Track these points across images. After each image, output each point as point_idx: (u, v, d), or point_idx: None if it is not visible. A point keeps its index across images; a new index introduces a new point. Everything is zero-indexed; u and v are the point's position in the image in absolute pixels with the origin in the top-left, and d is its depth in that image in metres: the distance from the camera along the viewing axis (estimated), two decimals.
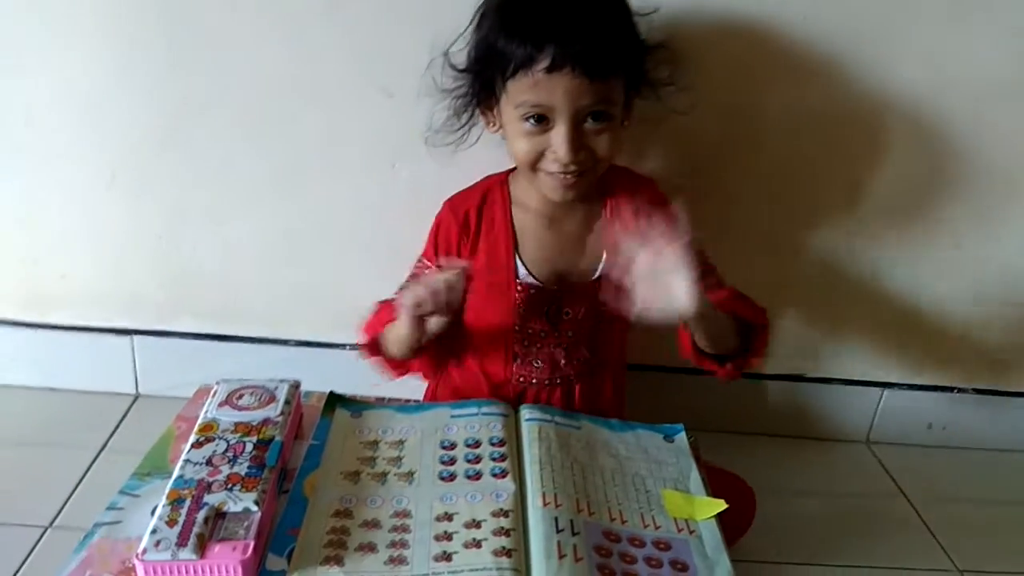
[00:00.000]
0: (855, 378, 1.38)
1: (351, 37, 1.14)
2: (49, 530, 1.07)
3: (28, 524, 1.07)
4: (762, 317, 0.99)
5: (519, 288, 1.01)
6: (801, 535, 1.06)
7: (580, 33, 0.86)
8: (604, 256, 1.01)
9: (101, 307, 1.31)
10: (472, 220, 1.03)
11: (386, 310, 1.00)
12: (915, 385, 1.38)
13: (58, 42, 1.15)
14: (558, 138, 0.89)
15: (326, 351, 1.34)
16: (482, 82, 0.95)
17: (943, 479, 1.35)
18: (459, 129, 1.02)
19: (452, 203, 1.06)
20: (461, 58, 1.00)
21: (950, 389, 1.39)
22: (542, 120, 0.90)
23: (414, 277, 1.05)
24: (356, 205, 1.24)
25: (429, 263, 1.05)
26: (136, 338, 1.32)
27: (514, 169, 1.05)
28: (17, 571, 1.00)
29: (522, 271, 1.01)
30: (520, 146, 0.92)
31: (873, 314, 1.33)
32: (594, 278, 1.02)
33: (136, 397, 1.35)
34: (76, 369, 1.34)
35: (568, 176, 0.92)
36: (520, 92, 0.89)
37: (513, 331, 1.03)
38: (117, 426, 1.28)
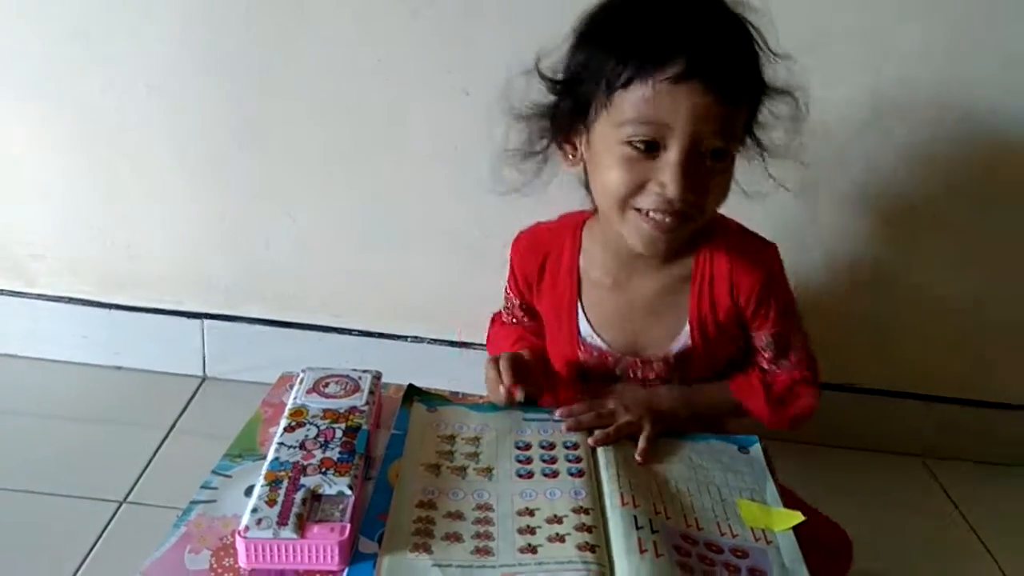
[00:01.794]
0: (912, 391, 1.37)
1: (431, 33, 1.16)
2: (124, 505, 1.10)
3: (104, 499, 1.11)
4: (774, 420, 0.92)
5: (581, 348, 0.93)
6: (856, 551, 1.05)
7: (717, 44, 0.75)
8: (687, 328, 0.89)
9: (172, 290, 1.35)
10: (534, 267, 0.95)
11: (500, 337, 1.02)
12: (973, 400, 1.38)
13: (143, 22, 1.18)
14: (668, 166, 0.75)
15: (387, 341, 1.37)
16: (575, 99, 0.81)
17: (1002, 498, 1.33)
18: (532, 161, 0.88)
19: (518, 244, 0.98)
20: (551, 71, 0.86)
21: (1010, 406, 1.38)
22: (650, 147, 0.76)
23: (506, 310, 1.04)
24: (423, 199, 1.27)
25: (513, 296, 1.01)
26: (206, 321, 1.36)
27: (593, 214, 0.91)
28: (95, 543, 1.04)
29: (586, 329, 0.92)
30: (613, 177, 0.78)
31: (932, 328, 1.32)
32: (672, 352, 0.91)
33: (203, 379, 1.39)
34: (145, 350, 1.38)
35: (668, 219, 0.78)
36: (631, 106, 0.75)
37: (579, 380, 0.96)
38: (186, 407, 1.32)
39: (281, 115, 1.23)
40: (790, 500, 0.85)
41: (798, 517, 0.79)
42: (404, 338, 1.36)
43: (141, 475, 1.16)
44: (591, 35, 0.81)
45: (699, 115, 0.74)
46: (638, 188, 0.78)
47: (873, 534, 1.19)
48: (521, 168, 0.88)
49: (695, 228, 0.82)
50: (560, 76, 0.84)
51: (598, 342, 0.92)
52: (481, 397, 0.95)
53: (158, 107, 1.23)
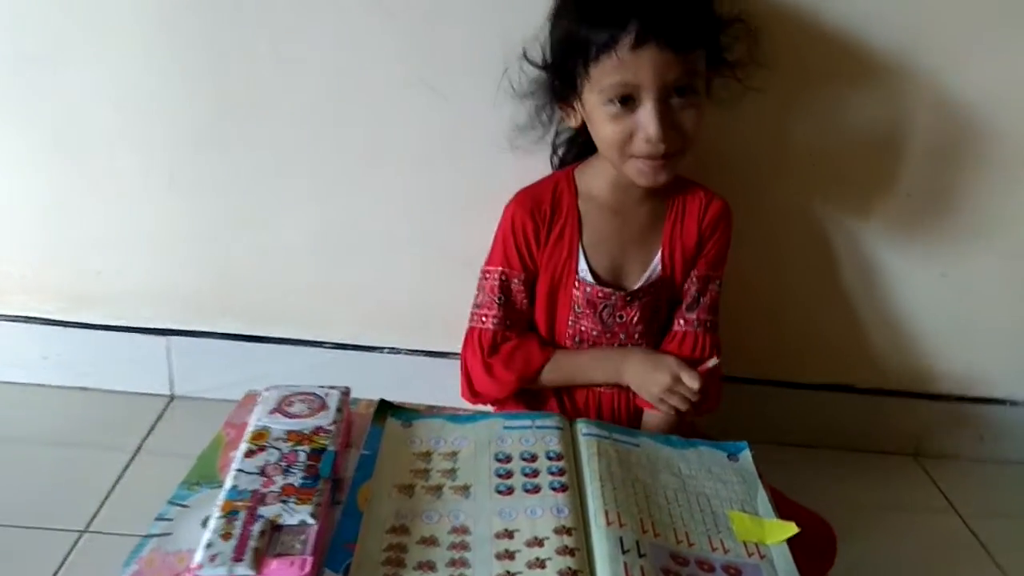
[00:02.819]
0: (904, 389, 1.34)
1: (399, 36, 1.12)
2: (86, 535, 1.05)
3: (64, 528, 1.05)
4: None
5: (576, 285, 1.02)
6: (848, 551, 1.02)
7: (662, 6, 0.87)
8: (658, 258, 1.03)
9: (137, 306, 1.30)
10: (546, 209, 1.02)
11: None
12: (966, 397, 1.35)
13: (106, 39, 1.14)
14: (646, 116, 0.89)
15: (364, 354, 1.32)
16: (562, 75, 0.95)
17: (996, 494, 1.31)
18: (542, 127, 1.06)
19: (520, 198, 1.04)
20: (537, 56, 1.01)
21: (1002, 402, 1.35)
22: (627, 101, 0.90)
23: (483, 291, 1.05)
24: (399, 208, 1.23)
25: (506, 269, 1.03)
26: (172, 338, 1.31)
27: (579, 163, 1.05)
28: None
29: (582, 266, 1.02)
30: (607, 131, 0.92)
31: (921, 324, 1.29)
32: (646, 281, 1.03)
33: (171, 398, 1.33)
34: (110, 369, 1.32)
35: (659, 159, 0.92)
36: (604, 75, 0.89)
37: (566, 326, 1.04)
38: (152, 427, 1.27)
39: (250, 127, 1.18)
40: (773, 496, 0.82)
41: (792, 529, 0.75)
42: (381, 349, 1.31)
43: (104, 502, 1.10)
44: (561, 16, 0.95)
45: (660, 70, 0.87)
46: (628, 138, 0.91)
47: (868, 531, 1.17)
48: (533, 136, 1.07)
49: (684, 157, 0.95)
50: (546, 58, 1.00)
51: (591, 279, 1.02)
52: (456, 410, 0.91)
53: (124, 121, 1.18)
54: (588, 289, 1.02)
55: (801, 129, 1.17)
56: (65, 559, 1.01)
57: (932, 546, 1.19)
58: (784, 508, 0.85)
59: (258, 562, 0.63)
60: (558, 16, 0.96)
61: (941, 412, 1.35)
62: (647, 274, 1.03)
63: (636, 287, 1.03)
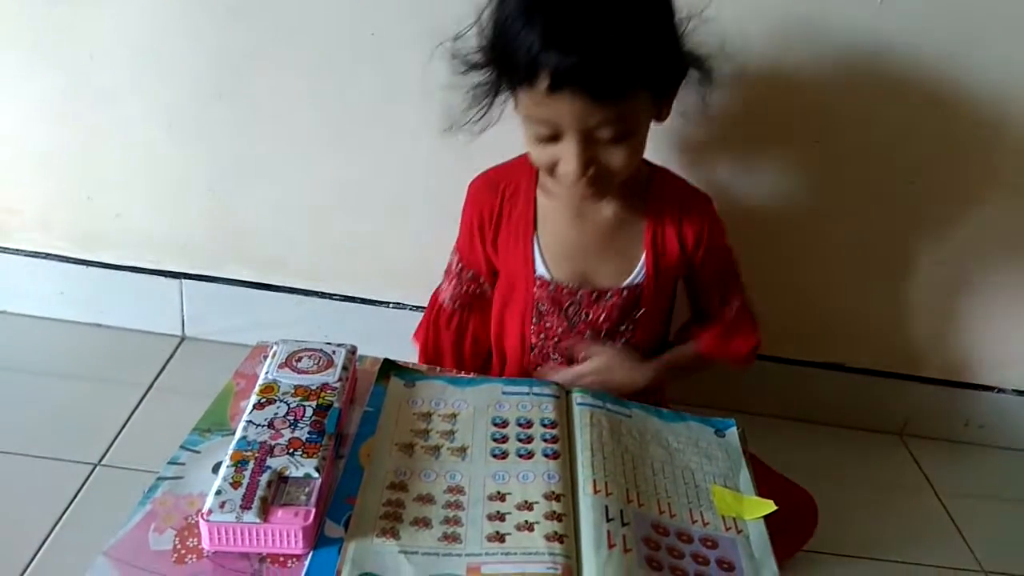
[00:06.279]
0: (894, 371, 1.37)
1: (422, 4, 1.12)
2: (98, 468, 1.10)
3: (79, 460, 1.10)
4: (741, 360, 1.02)
5: (537, 283, 0.97)
6: (828, 523, 1.07)
7: (580, 49, 0.74)
8: (641, 264, 0.96)
9: (152, 249, 1.33)
10: (495, 204, 0.96)
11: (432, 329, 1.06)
12: (954, 382, 1.38)
13: None
14: (567, 153, 0.80)
15: (368, 307, 1.35)
16: (496, 74, 0.85)
17: (976, 478, 1.35)
18: (481, 112, 0.89)
19: (476, 184, 0.99)
20: (471, 44, 0.87)
21: (990, 388, 1.38)
22: (551, 134, 0.81)
23: (450, 273, 1.05)
24: (406, 164, 1.24)
25: (461, 254, 1.03)
26: (185, 282, 1.34)
27: None
28: (68, 507, 1.03)
29: (540, 265, 0.96)
30: (531, 151, 0.85)
31: (915, 309, 1.32)
32: (623, 286, 0.97)
33: (182, 339, 1.37)
34: (125, 308, 1.36)
35: (582, 189, 0.85)
36: (525, 105, 0.81)
37: (530, 324, 1.00)
38: (164, 366, 1.31)
39: (267, 80, 1.19)
40: (757, 467, 0.86)
41: (769, 506, 0.79)
42: (386, 303, 1.35)
43: (116, 437, 1.15)
44: (493, 24, 0.81)
45: (580, 116, 0.77)
46: (551, 165, 0.83)
47: (847, 504, 1.21)
48: (467, 113, 0.90)
49: (618, 182, 0.87)
50: (476, 54, 0.86)
51: (547, 277, 0.95)
52: (458, 372, 0.94)
53: (146, 68, 1.19)
54: (552, 287, 0.96)
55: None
56: (79, 490, 1.06)
57: (906, 522, 1.24)
58: (769, 480, 0.90)
59: (265, 511, 0.66)
60: (492, 19, 0.82)
61: (929, 395, 1.38)
62: (629, 279, 0.97)
63: (613, 287, 0.97)
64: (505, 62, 0.79)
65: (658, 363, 0.99)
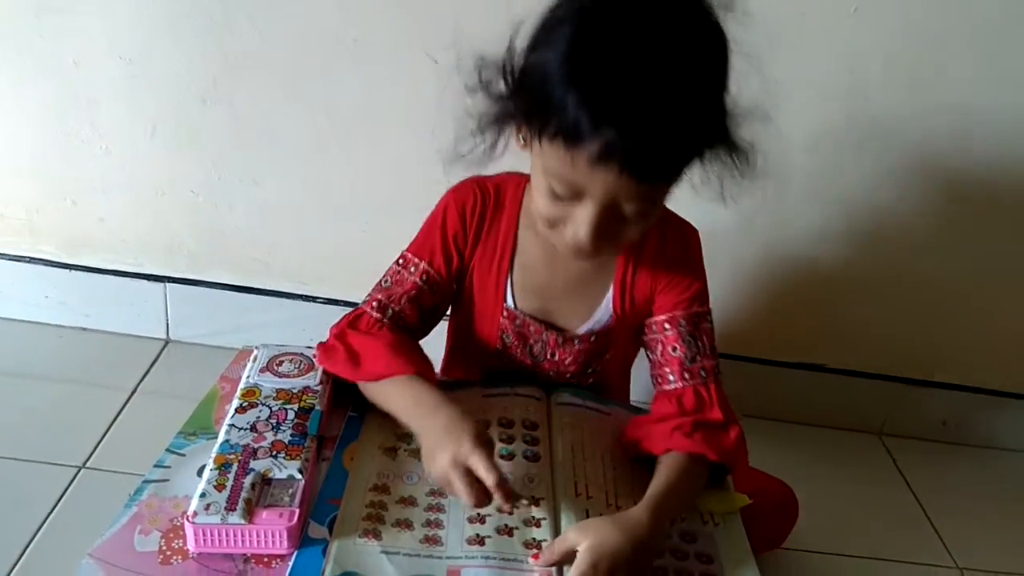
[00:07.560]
0: (873, 371, 1.40)
1: (406, 9, 1.13)
2: (83, 470, 1.10)
3: (64, 463, 1.10)
4: (729, 454, 0.82)
5: (505, 315, 0.91)
6: (807, 520, 1.08)
7: (644, 127, 0.67)
8: (605, 306, 0.90)
9: (137, 253, 1.33)
10: (474, 218, 0.89)
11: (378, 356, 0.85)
12: (932, 382, 1.40)
13: None
14: (582, 220, 0.73)
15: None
16: (518, 106, 0.75)
17: (951, 477, 1.37)
18: (483, 146, 0.80)
19: (465, 187, 0.91)
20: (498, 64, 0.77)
21: (967, 389, 1.41)
22: (570, 195, 0.73)
23: (395, 278, 0.93)
24: (388, 168, 1.25)
25: (418, 260, 0.92)
26: (169, 285, 1.34)
27: None
28: (52, 509, 1.03)
29: (509, 296, 0.90)
30: (540, 201, 0.77)
31: (894, 310, 1.34)
32: (590, 331, 0.91)
33: (167, 342, 1.38)
34: (109, 311, 1.36)
35: (584, 254, 0.78)
36: (554, 159, 0.71)
37: (495, 352, 0.94)
38: (149, 369, 1.31)
39: (250, 85, 1.20)
40: (752, 476, 0.89)
41: (744, 500, 0.80)
42: None
43: (101, 439, 1.15)
44: (542, 48, 0.71)
45: (613, 190, 0.70)
46: (560, 220, 0.76)
47: (825, 501, 1.22)
48: (476, 140, 0.80)
49: (618, 253, 0.86)
50: (507, 75, 0.75)
51: (516, 311, 0.90)
52: (441, 377, 0.95)
53: (132, 75, 1.19)
54: (518, 321, 0.91)
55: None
56: (64, 493, 1.06)
57: (884, 519, 1.25)
58: (752, 475, 0.91)
59: (249, 512, 0.68)
60: (545, 40, 0.71)
61: (907, 395, 1.41)
62: (593, 320, 0.91)
63: (578, 331, 0.91)
64: (539, 108, 0.70)
65: (647, 503, 0.76)
